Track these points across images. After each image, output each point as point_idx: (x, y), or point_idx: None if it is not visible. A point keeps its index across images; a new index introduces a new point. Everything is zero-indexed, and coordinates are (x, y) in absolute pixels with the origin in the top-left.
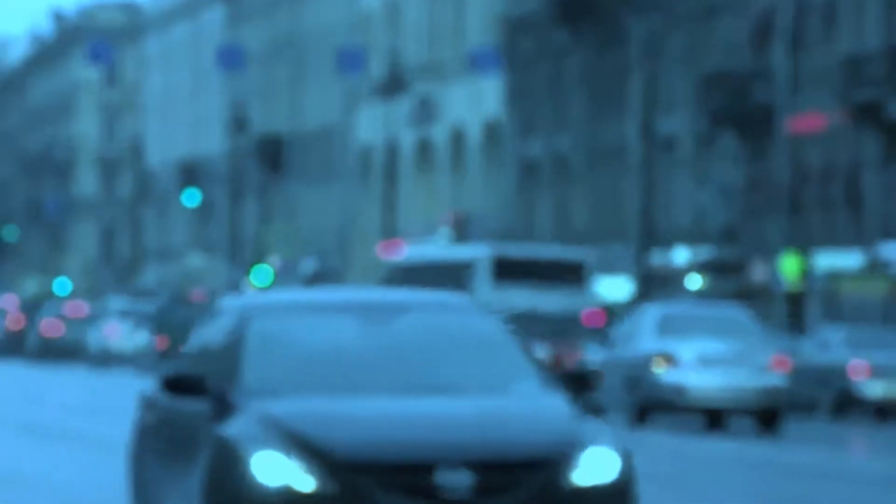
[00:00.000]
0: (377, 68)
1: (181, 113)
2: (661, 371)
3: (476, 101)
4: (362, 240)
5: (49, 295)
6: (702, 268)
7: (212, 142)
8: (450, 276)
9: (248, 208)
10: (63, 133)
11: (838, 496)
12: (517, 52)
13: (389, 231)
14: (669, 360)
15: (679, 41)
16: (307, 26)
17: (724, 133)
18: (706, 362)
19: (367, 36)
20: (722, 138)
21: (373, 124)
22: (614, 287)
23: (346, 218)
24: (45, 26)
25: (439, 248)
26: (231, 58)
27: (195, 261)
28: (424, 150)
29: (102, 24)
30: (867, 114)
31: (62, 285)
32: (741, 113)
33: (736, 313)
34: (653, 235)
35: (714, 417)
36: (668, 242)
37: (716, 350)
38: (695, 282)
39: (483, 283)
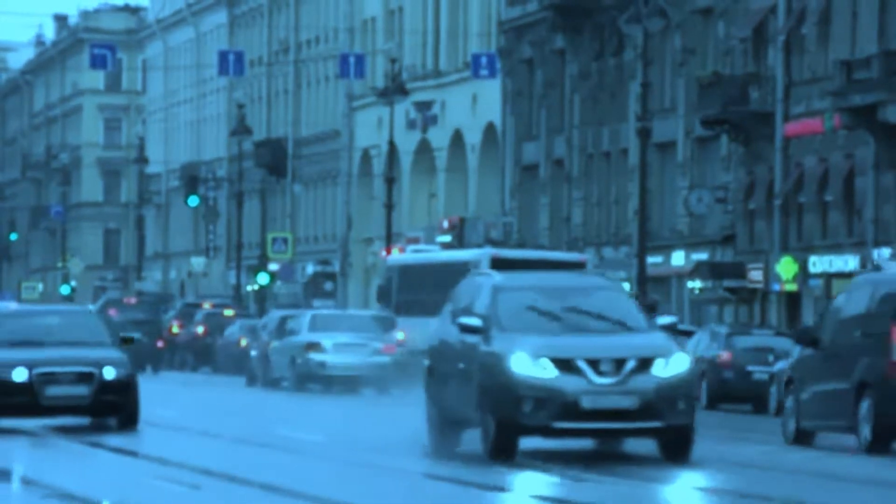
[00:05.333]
0: (377, 73)
1: (183, 117)
2: (311, 354)
3: (475, 106)
4: (363, 242)
5: (53, 297)
6: (698, 270)
7: (213, 146)
8: (449, 278)
9: (250, 212)
10: (66, 137)
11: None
12: (516, 57)
13: (389, 234)
14: (317, 346)
15: (675, 46)
16: (308, 31)
17: (721, 137)
18: (339, 347)
19: (368, 41)
20: (718, 142)
21: (373, 128)
22: None
23: (346, 221)
24: (49, 32)
25: (438, 250)
26: (232, 63)
27: (197, 264)
28: (424, 153)
29: (105, 30)
30: (862, 117)
31: (65, 288)
32: (737, 117)
33: (363, 316)
34: (650, 238)
35: (351, 385)
36: (665, 245)
37: (347, 339)
38: (692, 284)
39: None
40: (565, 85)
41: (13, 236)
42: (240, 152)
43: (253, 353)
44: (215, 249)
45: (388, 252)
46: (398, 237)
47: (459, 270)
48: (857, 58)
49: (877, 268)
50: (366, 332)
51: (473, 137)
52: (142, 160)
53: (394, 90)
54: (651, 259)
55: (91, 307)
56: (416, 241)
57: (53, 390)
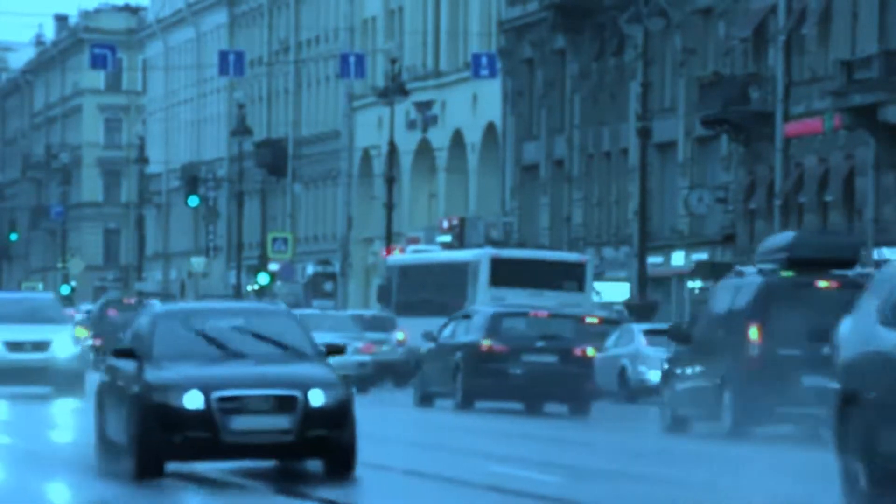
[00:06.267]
0: (377, 73)
1: (183, 117)
2: None
3: (475, 106)
4: (363, 242)
5: None
6: (699, 270)
7: (214, 146)
8: (449, 278)
9: (250, 212)
10: (67, 137)
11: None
12: (516, 57)
13: (390, 234)
14: None
15: (676, 46)
16: (308, 31)
17: (721, 137)
18: None
19: (368, 41)
20: (718, 142)
21: (373, 128)
22: (612, 290)
23: (346, 221)
24: (49, 32)
25: (438, 250)
26: (233, 63)
27: (197, 264)
28: (424, 153)
29: (105, 30)
30: (862, 117)
31: (65, 288)
32: (737, 117)
33: (342, 315)
34: (650, 238)
35: None
36: (665, 245)
37: (328, 339)
38: (692, 284)
39: (481, 284)
40: (565, 85)
41: (13, 236)
42: (240, 152)
43: None
44: (215, 249)
45: (389, 252)
46: (398, 237)
47: (459, 270)
48: (857, 58)
49: (739, 273)
50: (345, 332)
51: (473, 137)
52: (142, 160)
53: (394, 90)
54: (651, 259)
55: (284, 305)
56: (416, 241)
57: (241, 422)
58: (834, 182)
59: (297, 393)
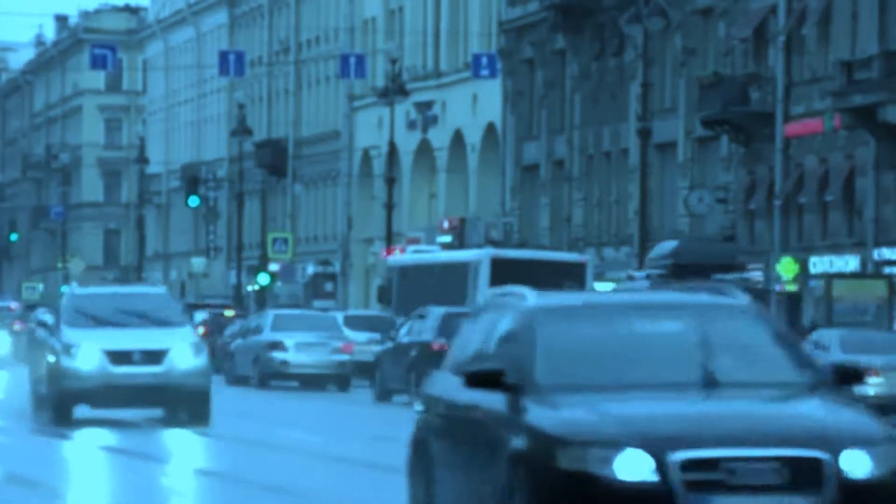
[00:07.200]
0: (377, 73)
1: (183, 117)
2: (273, 353)
3: (475, 106)
4: (363, 243)
5: (56, 298)
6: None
7: (214, 146)
8: (449, 278)
9: (250, 212)
10: (67, 137)
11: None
12: (516, 58)
13: (390, 234)
14: (279, 345)
15: (676, 46)
16: (308, 31)
17: (721, 137)
18: (301, 346)
19: (368, 41)
20: (718, 142)
21: (373, 128)
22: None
23: (346, 221)
24: (49, 32)
25: (438, 250)
26: (233, 63)
27: (197, 264)
28: (424, 153)
29: (105, 30)
30: (862, 118)
31: (65, 289)
32: (738, 117)
33: (324, 315)
34: (651, 238)
35: (309, 382)
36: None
37: (308, 338)
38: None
39: (481, 285)
40: (566, 85)
41: (13, 236)
42: (240, 152)
43: None
44: (216, 250)
45: (389, 252)
46: (398, 237)
47: (459, 271)
48: (857, 58)
49: (630, 278)
50: (326, 332)
51: (474, 137)
52: (142, 160)
53: (394, 90)
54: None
55: (746, 298)
56: (416, 241)
57: None
58: (834, 182)
59: (822, 455)
